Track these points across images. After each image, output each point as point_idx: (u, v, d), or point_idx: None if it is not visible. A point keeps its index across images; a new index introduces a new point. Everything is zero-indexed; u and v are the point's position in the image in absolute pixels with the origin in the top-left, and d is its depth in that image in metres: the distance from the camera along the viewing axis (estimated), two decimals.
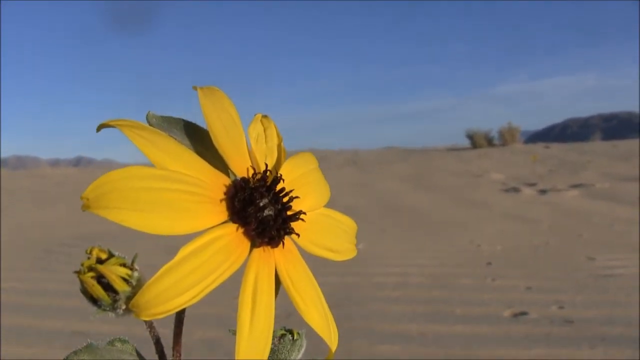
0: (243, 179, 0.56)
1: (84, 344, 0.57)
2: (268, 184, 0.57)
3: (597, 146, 24.65)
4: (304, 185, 0.64)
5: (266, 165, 0.58)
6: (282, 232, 0.56)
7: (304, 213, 0.59)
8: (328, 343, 0.60)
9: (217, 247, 0.52)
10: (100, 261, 0.57)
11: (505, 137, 25.47)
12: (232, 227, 0.54)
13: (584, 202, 11.42)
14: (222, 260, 0.52)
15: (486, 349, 4.05)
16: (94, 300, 0.56)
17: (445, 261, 7.07)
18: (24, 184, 17.55)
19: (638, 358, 3.80)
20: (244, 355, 0.52)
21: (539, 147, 24.28)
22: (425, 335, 4.35)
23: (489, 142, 25.43)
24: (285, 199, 0.57)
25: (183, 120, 0.60)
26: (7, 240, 8.95)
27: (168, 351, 0.61)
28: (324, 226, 0.65)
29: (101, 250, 0.57)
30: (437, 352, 4.01)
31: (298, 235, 0.59)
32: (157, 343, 0.60)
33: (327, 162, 22.13)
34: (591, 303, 5.06)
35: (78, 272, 0.56)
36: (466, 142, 26.09)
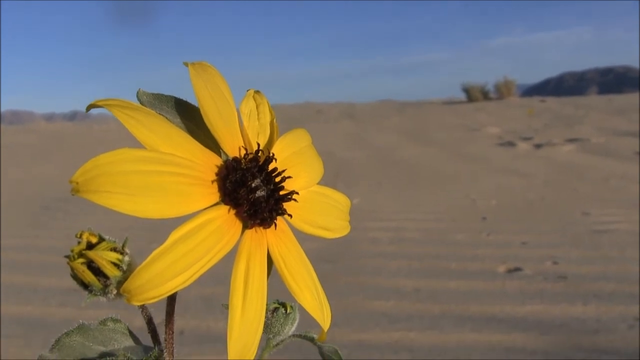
0: (235, 159, 0.55)
1: (76, 325, 0.56)
2: (260, 163, 0.56)
3: (593, 100, 24.60)
4: (297, 163, 0.63)
5: (258, 144, 0.57)
6: (274, 214, 0.56)
7: (297, 193, 0.58)
8: (321, 324, 0.60)
9: (208, 231, 0.51)
10: (90, 245, 0.56)
11: (501, 91, 25.37)
12: (224, 208, 0.53)
13: (579, 157, 11.43)
14: (214, 243, 0.51)
15: (480, 304, 4.07)
16: (85, 285, 0.56)
17: (441, 216, 7.09)
18: (20, 139, 17.49)
19: (630, 314, 3.83)
20: (236, 340, 0.51)
21: (534, 101, 24.21)
22: (420, 291, 4.38)
23: (485, 95, 25.33)
24: (277, 179, 0.56)
25: (174, 97, 0.59)
26: (4, 197, 8.94)
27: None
28: (317, 204, 0.64)
29: (91, 234, 0.57)
30: (431, 308, 4.03)
31: (290, 216, 0.58)
32: (150, 322, 0.59)
33: (323, 115, 22.07)
34: (585, 259, 5.08)
35: (69, 258, 0.56)
36: (462, 96, 26.00)
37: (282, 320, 0.72)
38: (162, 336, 0.61)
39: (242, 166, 0.54)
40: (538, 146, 12.86)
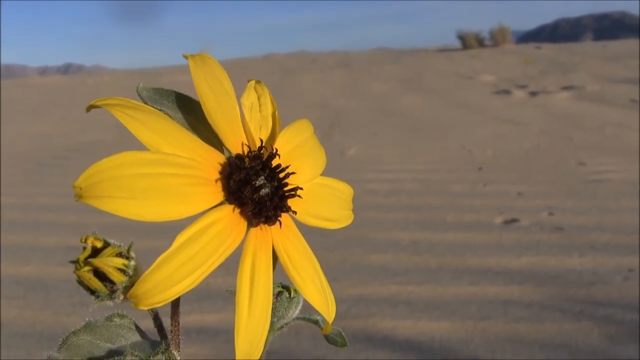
0: (238, 156, 0.55)
1: (83, 324, 0.57)
2: (263, 159, 0.55)
3: (589, 47, 24.49)
4: (300, 156, 0.62)
5: (261, 140, 0.57)
6: (278, 212, 0.55)
7: (301, 189, 0.58)
8: (325, 317, 0.60)
9: (214, 232, 0.51)
10: (95, 250, 0.56)
11: (496, 38, 25.22)
12: (229, 208, 0.53)
13: (575, 105, 11.41)
14: (219, 245, 0.51)
15: (477, 257, 4.10)
16: (91, 291, 0.56)
17: (437, 166, 7.10)
18: (15, 95, 17.37)
19: (625, 266, 3.86)
20: (243, 340, 0.52)
21: (529, 48, 24.10)
22: (417, 243, 4.40)
23: (480, 42, 25.17)
24: (281, 175, 0.56)
25: (175, 91, 0.58)
26: (1, 154, 8.90)
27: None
28: (320, 196, 0.64)
29: (96, 239, 0.57)
30: (429, 261, 4.05)
31: (295, 212, 0.58)
32: (156, 318, 0.59)
33: (318, 64, 21.94)
34: (581, 209, 5.10)
35: (75, 266, 0.56)
36: (457, 43, 25.84)
37: (286, 304, 0.73)
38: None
39: (246, 165, 0.54)
40: (533, 94, 12.83)
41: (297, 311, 0.74)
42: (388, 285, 3.62)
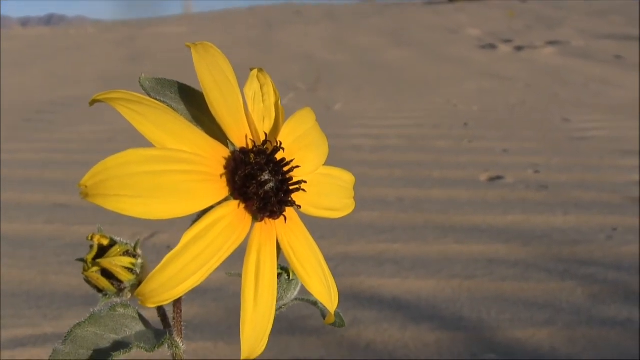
0: (242, 150, 0.55)
1: (88, 314, 0.57)
2: (268, 153, 0.55)
3: (573, 2, 24.36)
4: (304, 147, 0.62)
5: (266, 134, 0.57)
6: (283, 206, 0.56)
7: (305, 182, 0.58)
8: (329, 308, 0.61)
9: (220, 229, 0.52)
10: (102, 248, 0.56)
11: None
12: (234, 204, 0.53)
13: (559, 60, 11.41)
14: (225, 241, 0.52)
15: (463, 214, 4.12)
16: (99, 289, 0.56)
17: (422, 121, 7.10)
18: None
19: (608, 225, 3.89)
20: (249, 334, 0.52)
21: (515, 2, 23.92)
22: (403, 200, 4.41)
23: None
24: (285, 169, 0.56)
25: (177, 82, 0.58)
26: None
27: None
28: (323, 187, 0.64)
29: (102, 237, 0.57)
30: (415, 217, 4.07)
31: (299, 207, 0.58)
32: (159, 307, 0.60)
33: (302, 16, 21.76)
34: (565, 167, 5.13)
35: (82, 267, 0.56)
36: None
37: (285, 285, 0.73)
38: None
39: (251, 160, 0.54)
40: (519, 49, 12.81)
41: (296, 292, 0.74)
42: (375, 243, 3.64)
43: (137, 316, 0.59)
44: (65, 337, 0.54)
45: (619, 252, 3.49)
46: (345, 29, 17.64)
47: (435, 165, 5.27)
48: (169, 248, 3.73)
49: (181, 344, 0.60)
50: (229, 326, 2.79)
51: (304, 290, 0.76)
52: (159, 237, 3.75)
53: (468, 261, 3.45)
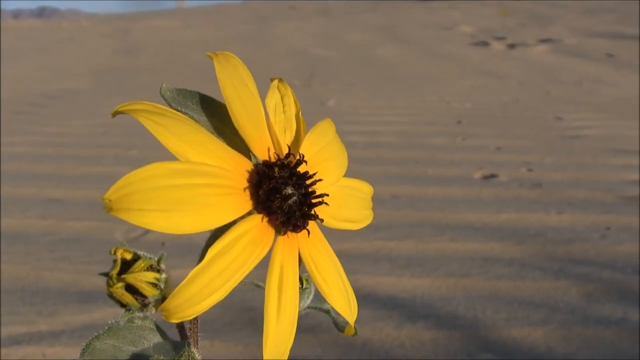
0: (266, 164, 0.55)
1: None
2: (291, 166, 0.55)
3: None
4: (325, 159, 0.62)
5: (289, 148, 0.56)
6: (306, 220, 0.56)
7: (327, 195, 0.58)
8: (348, 320, 0.61)
9: (244, 243, 0.51)
10: (125, 263, 0.56)
11: None
12: (257, 218, 0.53)
13: (552, 58, 11.42)
14: (250, 255, 0.52)
15: (458, 212, 4.12)
16: (122, 304, 0.56)
17: (416, 118, 7.10)
18: None
19: (602, 224, 3.90)
20: (271, 348, 0.52)
21: (508, 0, 24.01)
22: (398, 198, 4.41)
23: None
24: (308, 182, 0.56)
25: (199, 93, 0.58)
26: None
27: None
28: (343, 199, 0.64)
29: (126, 251, 0.56)
30: (411, 215, 4.07)
31: (322, 220, 0.58)
32: None
33: (296, 11, 21.75)
34: (559, 165, 5.14)
35: (107, 283, 0.55)
36: None
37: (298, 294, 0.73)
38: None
39: (275, 174, 0.54)
40: (511, 46, 12.83)
41: (309, 301, 0.74)
42: (371, 241, 3.64)
43: (154, 328, 0.58)
44: (84, 349, 0.54)
45: (613, 251, 3.50)
46: (339, 25, 17.64)
47: (430, 163, 5.27)
48: (163, 245, 3.73)
49: (197, 356, 0.60)
50: (224, 324, 2.79)
51: (315, 298, 0.76)
52: (153, 235, 3.74)
53: (463, 259, 3.45)
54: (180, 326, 0.60)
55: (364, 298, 3.03)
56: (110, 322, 0.56)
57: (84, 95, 8.85)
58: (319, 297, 0.76)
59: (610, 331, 2.73)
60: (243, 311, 2.88)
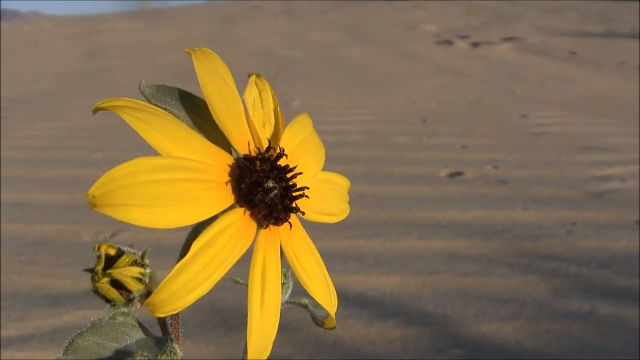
0: (247, 158, 0.55)
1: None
2: (272, 160, 0.55)
3: None
4: (304, 153, 0.63)
5: (269, 142, 0.57)
6: (288, 213, 0.56)
7: (308, 188, 0.58)
8: (330, 311, 0.61)
9: (227, 237, 0.52)
10: (109, 258, 0.56)
11: None
12: (240, 211, 0.54)
13: (516, 56, 11.52)
14: (233, 248, 0.52)
15: (424, 210, 4.15)
16: (107, 300, 0.56)
17: (382, 118, 7.13)
18: None
19: (567, 219, 3.94)
20: (256, 340, 0.53)
21: None
22: (365, 197, 4.43)
23: None
24: (289, 175, 0.56)
25: (178, 89, 0.58)
26: None
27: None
28: (322, 192, 0.65)
29: (109, 246, 0.56)
30: (378, 214, 4.09)
31: (303, 213, 0.59)
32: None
33: (261, 11, 21.72)
34: (524, 162, 5.18)
35: (92, 278, 0.55)
36: None
37: None
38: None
39: (257, 167, 0.54)
40: (475, 45, 12.91)
41: (287, 295, 0.75)
42: (339, 240, 3.64)
43: (136, 324, 0.58)
44: (67, 347, 0.54)
45: (579, 247, 3.54)
46: (304, 25, 17.64)
47: (396, 162, 5.29)
48: (132, 247, 3.70)
49: (179, 351, 0.60)
50: (195, 324, 2.78)
51: (294, 293, 0.76)
52: (122, 236, 3.72)
53: (431, 257, 3.47)
54: (162, 322, 0.61)
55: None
56: (92, 319, 0.56)
57: (49, 98, 8.77)
58: (295, 292, 0.77)
59: (577, 325, 2.76)
60: (214, 312, 2.87)
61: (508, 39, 13.23)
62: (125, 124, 0.51)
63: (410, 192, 4.54)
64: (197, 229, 0.56)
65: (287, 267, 0.66)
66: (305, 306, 0.75)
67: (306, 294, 0.69)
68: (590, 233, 3.72)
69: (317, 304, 0.67)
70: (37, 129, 6.85)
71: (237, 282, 0.72)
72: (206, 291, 0.50)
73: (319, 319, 0.75)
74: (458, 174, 4.94)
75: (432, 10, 19.99)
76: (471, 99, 8.15)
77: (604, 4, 19.92)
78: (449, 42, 13.36)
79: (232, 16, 20.26)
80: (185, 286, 0.49)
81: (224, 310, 2.89)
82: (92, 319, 0.56)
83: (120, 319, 0.57)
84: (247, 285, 0.69)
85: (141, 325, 0.59)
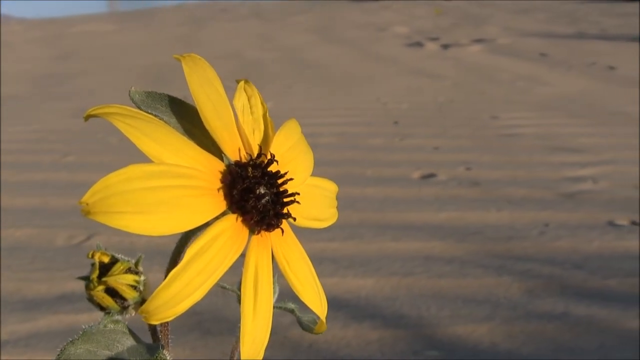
0: (238, 164, 0.55)
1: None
2: (263, 166, 0.56)
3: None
4: (293, 158, 0.63)
5: (260, 148, 0.57)
6: (280, 219, 0.56)
7: (299, 194, 0.59)
8: (320, 316, 0.62)
9: (221, 243, 0.52)
10: (103, 266, 0.56)
11: None
12: (232, 217, 0.54)
13: (486, 58, 11.57)
14: (226, 254, 0.52)
15: (398, 212, 4.16)
16: (101, 307, 0.56)
17: (354, 119, 7.14)
18: None
19: (540, 221, 3.97)
20: (249, 345, 0.53)
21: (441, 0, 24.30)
22: (338, 199, 4.40)
23: None
24: (280, 181, 0.57)
25: (167, 95, 0.58)
26: None
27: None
28: (311, 197, 0.65)
29: (103, 254, 0.56)
30: (351, 216, 4.09)
31: (294, 219, 0.59)
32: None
33: (230, 14, 21.66)
34: (496, 164, 5.21)
35: (88, 286, 0.55)
36: None
37: None
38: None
39: (249, 174, 0.54)
40: (446, 46, 12.96)
41: (274, 300, 0.75)
42: (313, 242, 3.64)
43: (127, 331, 0.58)
44: (59, 355, 0.53)
45: (552, 247, 3.57)
46: (273, 26, 17.63)
47: (369, 164, 5.31)
48: (105, 249, 3.68)
49: (169, 358, 0.60)
50: (170, 328, 2.76)
51: (281, 297, 0.77)
52: (95, 240, 3.69)
53: (405, 259, 3.48)
54: (153, 329, 0.61)
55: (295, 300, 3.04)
56: (83, 326, 0.56)
57: (19, 102, 8.68)
58: (280, 297, 0.77)
59: (552, 325, 2.79)
60: (189, 315, 2.86)
61: (478, 41, 13.29)
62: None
63: (384, 194, 4.55)
64: (187, 235, 0.56)
65: (273, 272, 0.67)
66: (292, 311, 0.76)
67: (290, 298, 0.69)
68: (563, 234, 3.75)
69: (302, 309, 0.68)
70: (8, 133, 6.78)
71: (223, 287, 0.72)
72: (200, 298, 0.50)
73: (305, 323, 0.75)
74: (431, 175, 4.96)
75: (401, 12, 20.05)
76: (442, 100, 8.18)
77: (573, 5, 20.12)
78: (419, 44, 13.40)
79: (201, 18, 20.20)
80: (180, 293, 0.49)
81: (199, 314, 2.88)
82: (84, 326, 0.56)
83: (111, 326, 0.57)
84: (232, 291, 0.69)
85: (131, 332, 0.59)
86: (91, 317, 2.95)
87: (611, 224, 3.88)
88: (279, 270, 0.59)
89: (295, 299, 0.73)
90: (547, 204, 4.23)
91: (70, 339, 0.54)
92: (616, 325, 2.80)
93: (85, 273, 0.57)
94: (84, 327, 0.56)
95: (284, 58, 12.31)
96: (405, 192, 4.59)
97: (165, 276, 0.55)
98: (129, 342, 0.58)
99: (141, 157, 0.52)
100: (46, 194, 4.54)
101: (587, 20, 16.34)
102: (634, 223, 3.88)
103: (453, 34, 14.59)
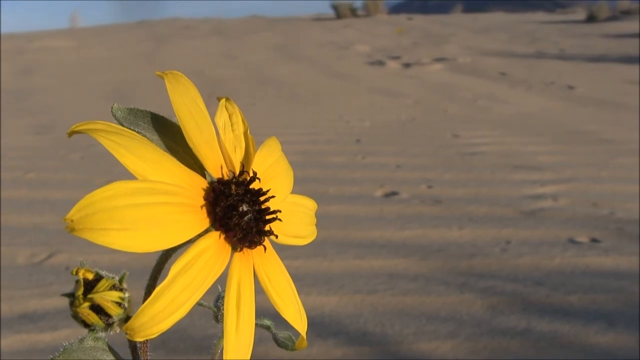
0: (220, 181, 0.56)
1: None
2: (245, 184, 0.56)
3: (459, 19, 25.06)
4: (274, 176, 0.64)
5: (242, 165, 0.58)
6: (262, 237, 0.57)
7: (280, 211, 0.59)
8: (301, 332, 0.62)
9: (204, 260, 0.52)
10: (87, 283, 0.55)
11: (369, 8, 25.56)
12: (215, 235, 0.54)
13: (447, 77, 11.68)
14: (209, 271, 0.53)
15: (361, 229, 4.17)
16: (85, 324, 0.55)
17: (317, 137, 7.15)
18: None
19: (502, 238, 4.01)
20: (233, 358, 0.53)
21: (402, 19, 24.49)
22: None
23: (353, 12, 25.42)
24: (262, 198, 0.57)
25: (150, 112, 0.58)
26: None
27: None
28: (291, 215, 0.66)
29: (87, 271, 0.56)
30: None
31: (277, 236, 0.59)
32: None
33: (191, 31, 21.63)
34: (458, 181, 5.25)
35: (73, 303, 0.55)
36: (331, 12, 25.98)
37: None
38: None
39: (232, 191, 0.55)
40: (407, 65, 13.05)
41: None
42: None
43: (107, 348, 0.58)
44: None
45: (515, 264, 3.61)
46: (235, 44, 17.63)
47: (332, 181, 5.32)
48: (67, 269, 3.65)
49: None
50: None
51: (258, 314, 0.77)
52: (57, 258, 3.66)
53: (369, 276, 3.49)
54: (134, 346, 0.60)
55: (272, 317, 3.01)
56: (64, 343, 0.56)
57: None
58: (259, 314, 0.77)
59: (515, 341, 2.81)
60: None
61: (439, 59, 13.41)
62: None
63: (347, 212, 4.56)
64: (168, 252, 0.56)
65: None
66: (268, 327, 0.76)
67: (267, 315, 0.70)
68: (524, 251, 3.79)
69: (280, 325, 0.68)
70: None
71: (200, 305, 0.72)
72: (184, 315, 0.51)
73: (280, 340, 0.76)
74: (393, 193, 4.98)
75: (362, 30, 20.17)
76: (404, 118, 8.24)
77: (532, 25, 20.38)
78: (380, 63, 13.48)
79: (163, 35, 20.15)
80: (164, 310, 0.49)
81: (164, 333, 2.86)
82: (65, 343, 0.56)
83: (90, 343, 0.57)
84: (208, 308, 0.69)
85: (111, 349, 0.59)
86: (53, 337, 2.92)
87: (572, 241, 3.93)
88: (260, 287, 0.59)
89: (263, 315, 0.73)
90: (508, 222, 4.27)
91: (51, 356, 0.54)
92: (578, 340, 2.83)
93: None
94: (64, 343, 0.56)
95: (246, 76, 12.32)
96: (368, 210, 4.60)
97: (146, 293, 0.55)
98: (109, 358, 0.58)
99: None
100: (7, 211, 4.49)
101: (546, 40, 16.58)
102: (593, 240, 3.93)
103: (414, 52, 14.71)
